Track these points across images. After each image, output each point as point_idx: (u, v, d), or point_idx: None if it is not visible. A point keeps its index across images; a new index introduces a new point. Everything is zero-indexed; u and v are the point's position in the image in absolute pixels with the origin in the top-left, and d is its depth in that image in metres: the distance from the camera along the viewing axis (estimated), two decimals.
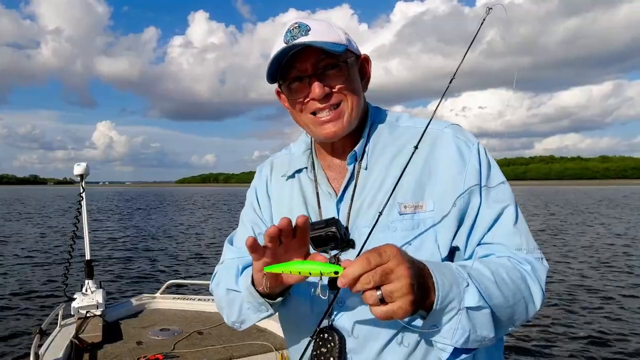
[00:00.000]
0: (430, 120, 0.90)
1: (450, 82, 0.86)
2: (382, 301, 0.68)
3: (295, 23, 0.90)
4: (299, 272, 0.76)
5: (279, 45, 0.90)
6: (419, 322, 0.85)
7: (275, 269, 0.79)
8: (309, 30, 0.88)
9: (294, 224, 0.77)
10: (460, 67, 0.85)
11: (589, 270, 9.25)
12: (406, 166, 0.85)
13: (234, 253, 1.07)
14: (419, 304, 0.71)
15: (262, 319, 0.95)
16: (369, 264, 0.68)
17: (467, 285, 0.75)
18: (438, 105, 0.89)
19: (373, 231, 0.83)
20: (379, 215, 0.82)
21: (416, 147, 0.86)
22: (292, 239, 0.79)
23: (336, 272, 0.72)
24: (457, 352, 0.77)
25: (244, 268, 0.99)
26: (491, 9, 0.80)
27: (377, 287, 0.68)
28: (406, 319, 0.72)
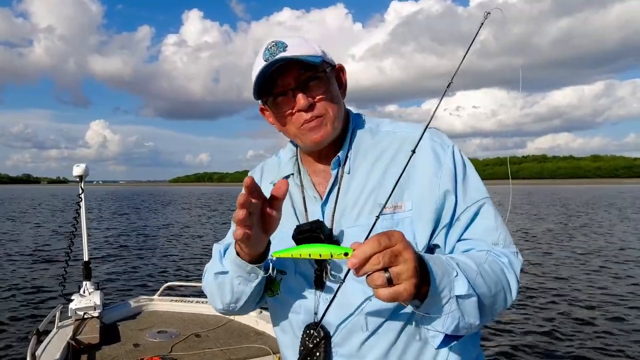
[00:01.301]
0: (428, 123, 0.92)
1: (449, 85, 0.87)
2: (389, 283, 0.71)
3: (272, 42, 0.96)
4: (309, 255, 0.78)
5: (259, 63, 0.95)
6: (405, 313, 0.91)
7: (284, 253, 0.81)
8: (287, 47, 0.94)
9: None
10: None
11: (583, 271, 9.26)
12: (403, 170, 0.87)
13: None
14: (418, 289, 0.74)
15: (254, 289, 0.96)
16: (379, 245, 0.70)
17: (457, 275, 0.80)
18: (436, 108, 0.90)
19: (353, 231, 0.93)
20: (376, 219, 0.85)
21: (413, 152, 0.89)
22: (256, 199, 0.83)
23: (346, 254, 0.73)
24: (447, 339, 0.83)
25: (225, 250, 1.02)
26: (489, 13, 0.82)
27: (385, 270, 0.71)
28: (407, 302, 0.76)
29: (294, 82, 0.95)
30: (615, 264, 10.18)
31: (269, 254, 0.94)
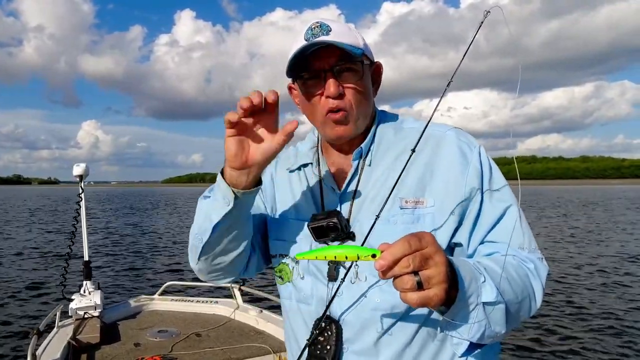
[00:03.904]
0: (429, 122, 0.92)
1: (449, 84, 0.87)
2: (419, 287, 0.67)
3: (317, 22, 0.93)
4: (335, 257, 0.73)
5: (299, 42, 0.92)
6: (421, 313, 0.89)
7: (307, 255, 0.78)
8: (330, 31, 0.91)
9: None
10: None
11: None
12: (405, 165, 0.87)
13: None
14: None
15: (222, 219, 0.90)
16: (409, 247, 0.67)
17: (484, 281, 0.76)
18: (436, 107, 0.91)
19: (371, 223, 0.86)
20: (376, 219, 0.84)
21: (413, 150, 0.88)
22: (263, 113, 0.83)
23: (373, 255, 0.69)
24: (471, 347, 0.79)
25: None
26: (489, 12, 0.81)
27: (414, 273, 0.67)
28: (437, 308, 0.73)
29: (329, 67, 0.92)
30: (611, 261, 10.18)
31: (257, 191, 0.91)
